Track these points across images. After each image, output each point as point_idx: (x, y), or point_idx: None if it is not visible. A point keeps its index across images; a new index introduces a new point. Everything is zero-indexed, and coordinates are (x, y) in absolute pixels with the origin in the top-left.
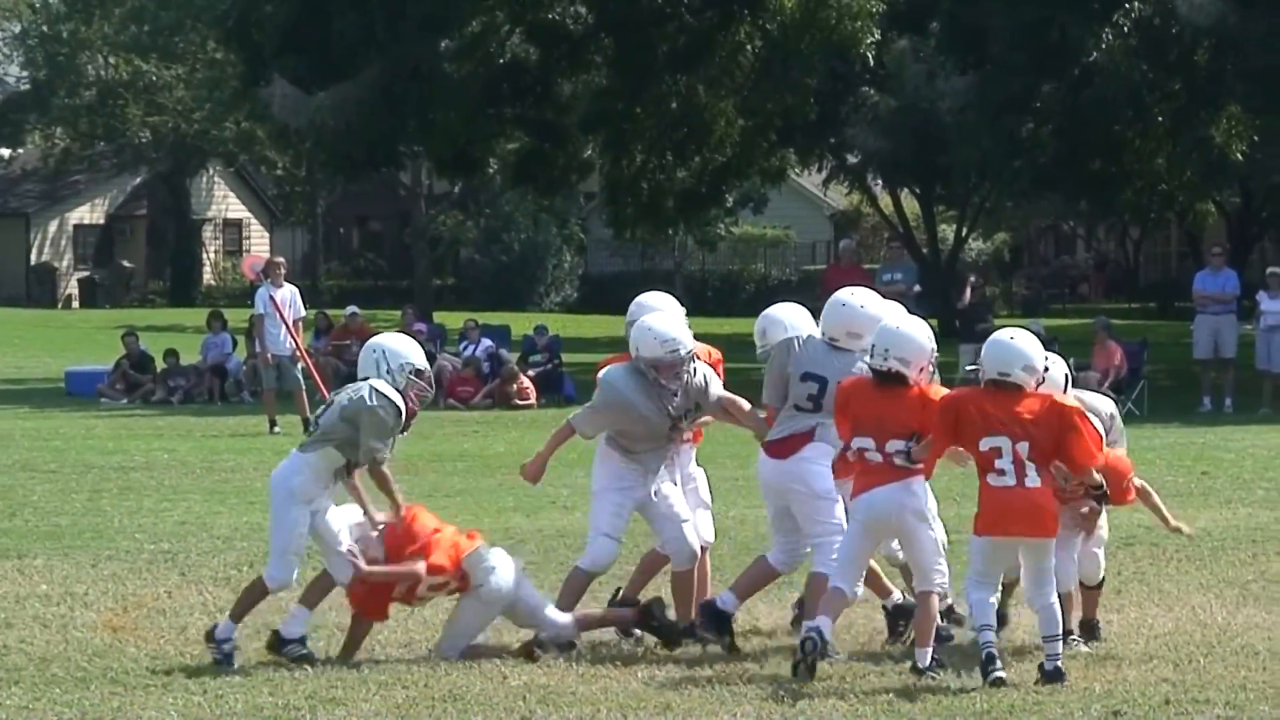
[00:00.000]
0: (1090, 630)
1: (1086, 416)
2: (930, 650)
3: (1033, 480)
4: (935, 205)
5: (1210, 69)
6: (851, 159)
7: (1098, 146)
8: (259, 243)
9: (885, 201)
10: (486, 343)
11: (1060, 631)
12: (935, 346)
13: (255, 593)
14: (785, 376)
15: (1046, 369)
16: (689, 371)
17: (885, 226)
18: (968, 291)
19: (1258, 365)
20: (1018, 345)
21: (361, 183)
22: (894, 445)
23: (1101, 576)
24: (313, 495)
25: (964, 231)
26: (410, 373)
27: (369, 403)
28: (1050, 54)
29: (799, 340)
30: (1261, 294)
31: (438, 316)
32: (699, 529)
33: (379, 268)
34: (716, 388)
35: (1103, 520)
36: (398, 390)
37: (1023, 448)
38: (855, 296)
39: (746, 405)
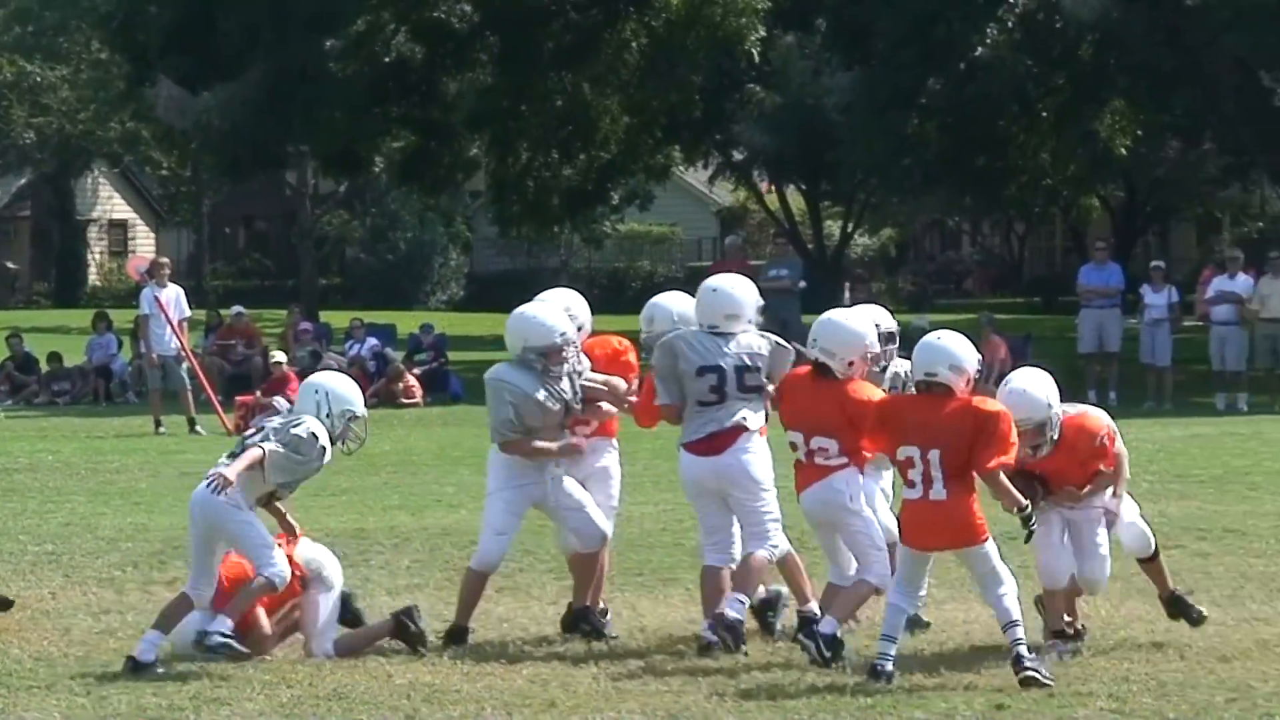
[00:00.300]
0: (1177, 606)
1: (1007, 421)
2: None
3: (938, 493)
4: (821, 201)
5: (1094, 64)
6: (737, 155)
7: (983, 142)
8: (144, 243)
9: (771, 198)
10: (372, 341)
11: (1017, 617)
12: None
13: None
14: (679, 376)
15: (979, 370)
16: (572, 357)
17: (771, 223)
18: (846, 290)
19: (1142, 359)
20: (941, 344)
21: (247, 182)
22: (818, 442)
23: (1153, 545)
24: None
25: (850, 227)
26: (349, 419)
27: (301, 446)
28: (935, 50)
29: (682, 341)
30: (1145, 288)
31: (324, 315)
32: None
33: (265, 267)
34: (586, 367)
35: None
36: (331, 435)
37: (934, 456)
38: (723, 280)
39: (622, 384)
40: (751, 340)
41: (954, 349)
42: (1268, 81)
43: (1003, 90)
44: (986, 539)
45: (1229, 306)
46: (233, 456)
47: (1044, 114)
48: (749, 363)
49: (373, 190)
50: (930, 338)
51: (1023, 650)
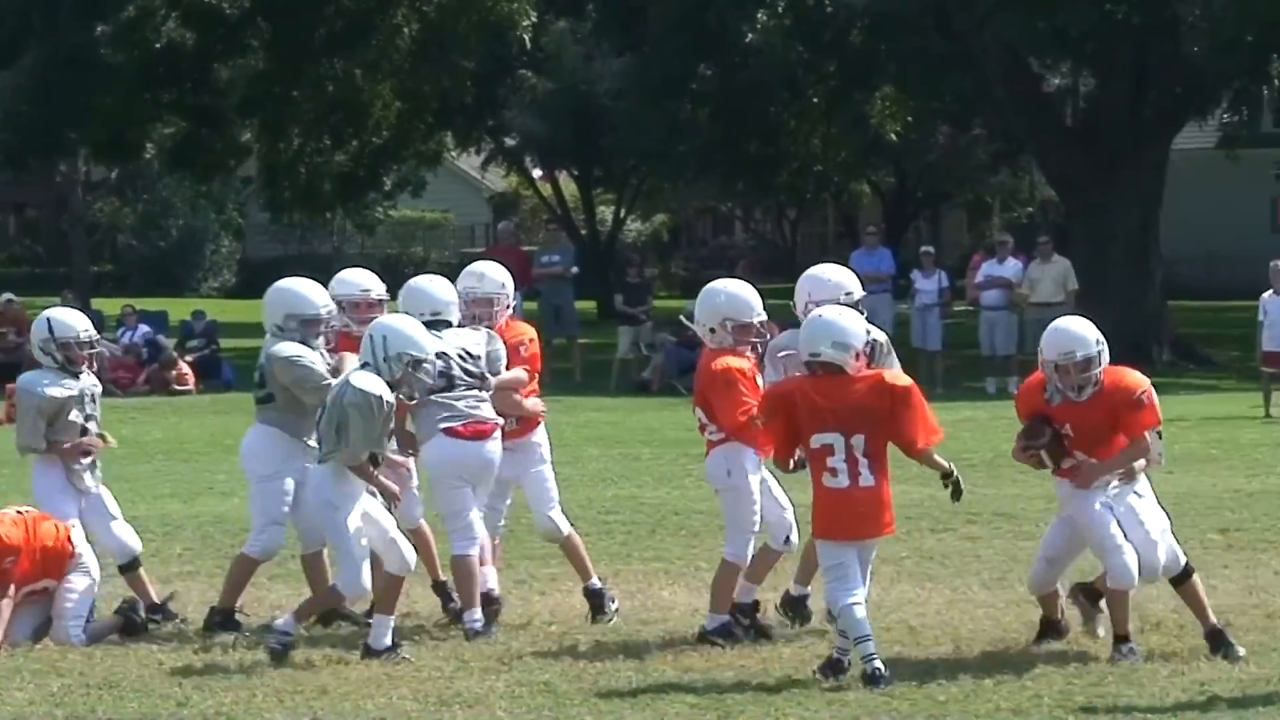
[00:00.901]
0: (1218, 640)
1: (920, 396)
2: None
3: (866, 479)
4: (594, 187)
5: (864, 50)
6: (510, 142)
7: (754, 128)
8: None
9: (544, 184)
10: (145, 329)
11: (867, 631)
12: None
13: (391, 590)
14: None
15: (870, 345)
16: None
17: (544, 209)
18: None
19: (913, 344)
20: (824, 320)
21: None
22: (699, 415)
23: (1182, 562)
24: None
25: (622, 213)
26: (409, 364)
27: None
28: (707, 36)
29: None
30: (916, 273)
31: (96, 303)
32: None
33: (36, 254)
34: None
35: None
36: (391, 381)
37: (857, 442)
38: (430, 283)
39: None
40: (465, 335)
41: (838, 323)
42: (1036, 67)
43: (774, 77)
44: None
45: (998, 291)
46: None
47: (815, 100)
48: (471, 352)
49: (144, 177)
50: (812, 315)
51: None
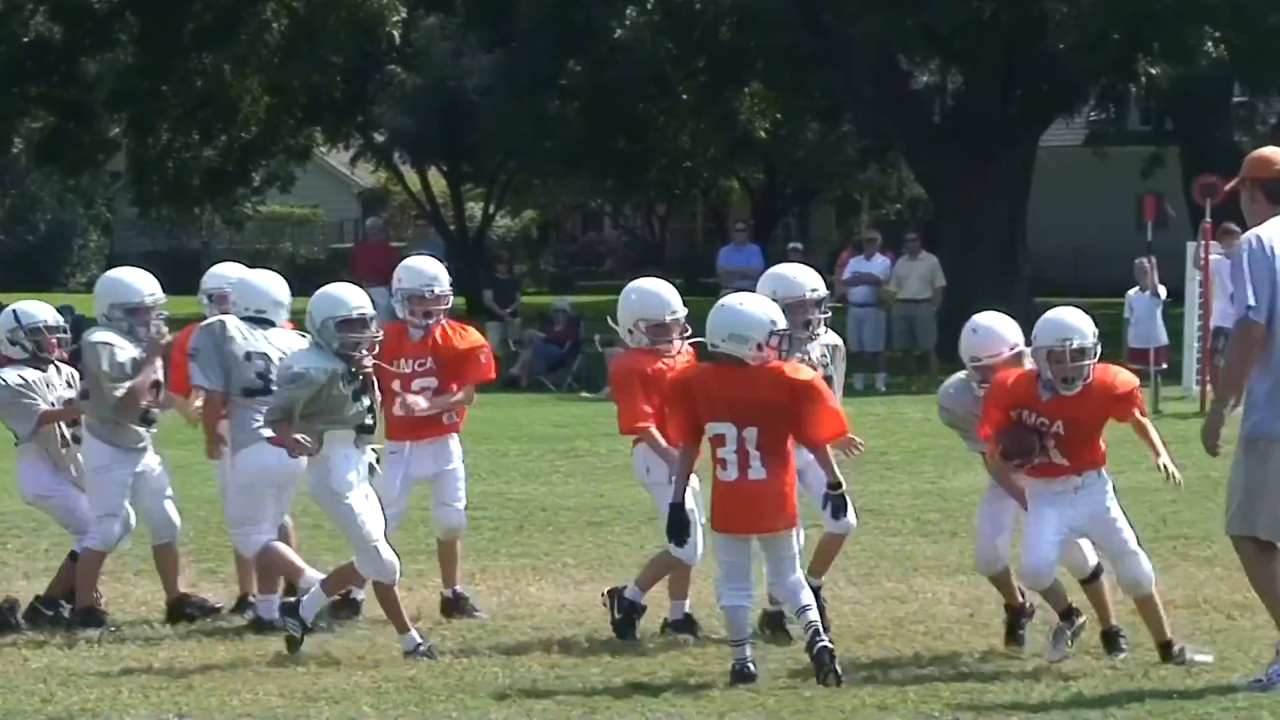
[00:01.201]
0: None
1: (822, 389)
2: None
3: (757, 472)
4: (463, 183)
5: (733, 46)
6: (379, 137)
7: (623, 125)
8: None
9: (413, 179)
10: None
11: (810, 601)
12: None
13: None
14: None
15: (783, 335)
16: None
17: (413, 204)
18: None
19: None
20: (725, 309)
21: None
22: None
23: (1092, 563)
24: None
25: (491, 209)
26: (337, 324)
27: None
28: (575, 32)
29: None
30: None
31: None
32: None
33: None
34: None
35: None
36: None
37: (750, 434)
38: (259, 278)
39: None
40: (290, 338)
41: (736, 315)
42: (905, 65)
43: (643, 73)
44: (796, 524)
45: (866, 288)
46: None
47: (684, 97)
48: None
49: (12, 171)
50: (718, 305)
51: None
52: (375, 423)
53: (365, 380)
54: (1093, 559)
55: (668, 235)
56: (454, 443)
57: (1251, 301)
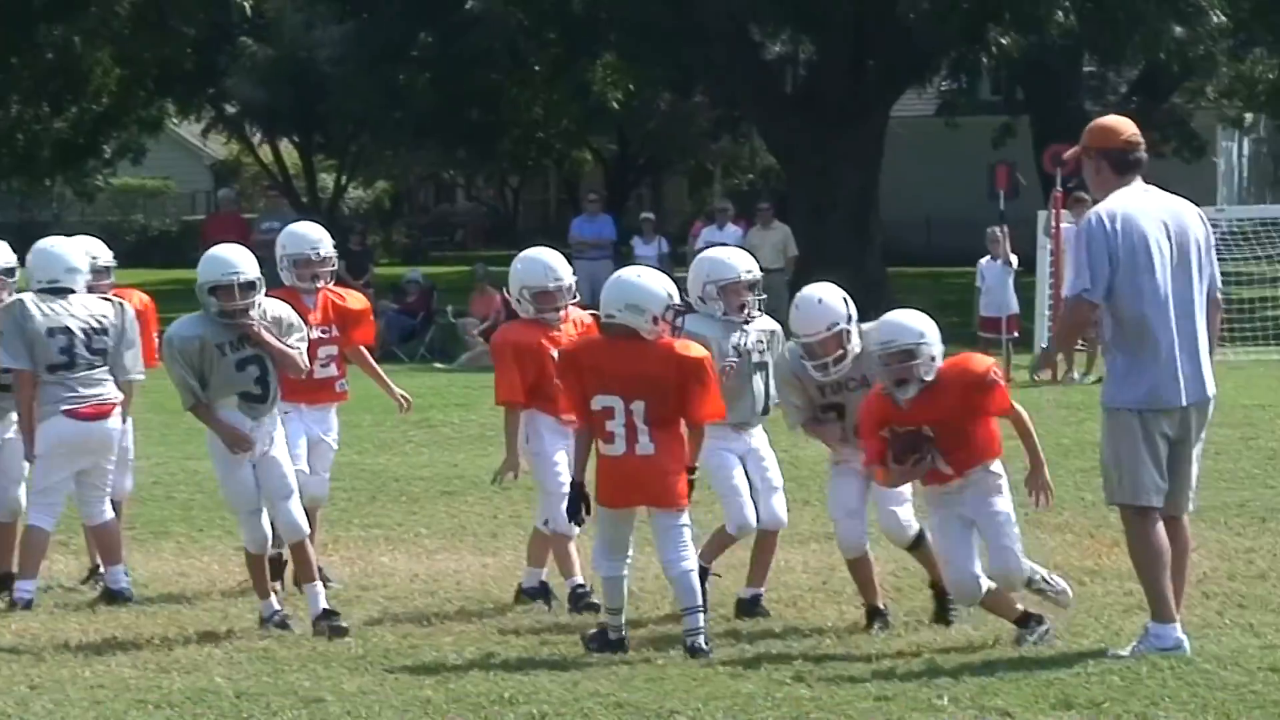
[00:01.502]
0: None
1: (711, 370)
2: None
3: (645, 447)
4: (315, 154)
5: (586, 17)
6: (230, 109)
7: (476, 96)
8: None
9: (265, 151)
10: None
11: (699, 602)
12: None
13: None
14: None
15: (681, 309)
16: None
17: (265, 176)
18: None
19: None
20: (623, 280)
21: None
22: None
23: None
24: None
25: (344, 181)
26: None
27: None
28: (427, 3)
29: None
30: (636, 239)
31: None
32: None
33: None
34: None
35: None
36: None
37: (637, 408)
38: (55, 245)
39: None
40: (92, 305)
41: (634, 287)
42: (757, 35)
43: (495, 44)
44: (687, 500)
45: None
46: None
47: (537, 68)
48: (96, 325)
49: None
50: (615, 276)
51: (698, 641)
52: (267, 393)
53: (256, 348)
54: (914, 527)
55: (521, 206)
56: (334, 413)
57: (1088, 284)
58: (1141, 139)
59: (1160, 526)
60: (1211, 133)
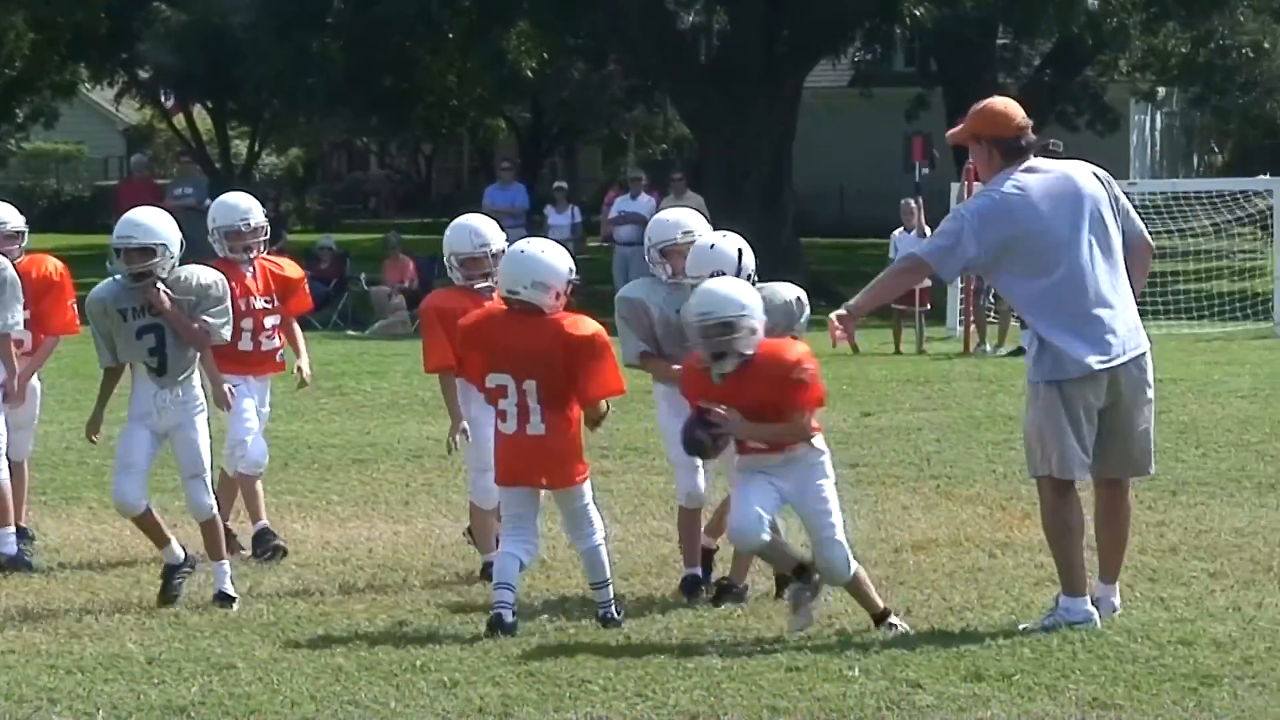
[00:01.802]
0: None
1: (605, 344)
2: None
3: (536, 427)
4: (228, 120)
5: None
6: (144, 74)
7: (389, 63)
8: None
9: (178, 117)
10: None
11: (608, 576)
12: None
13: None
14: None
15: (573, 285)
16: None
17: (178, 141)
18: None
19: None
20: (527, 256)
21: None
22: None
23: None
24: None
25: (257, 147)
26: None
27: None
28: None
29: None
30: (549, 208)
31: None
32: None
33: None
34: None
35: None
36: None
37: (529, 387)
38: None
39: None
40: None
41: (542, 261)
42: (670, 5)
43: (409, 10)
44: (585, 478)
45: (632, 227)
46: None
47: (451, 35)
48: None
49: None
50: (515, 250)
51: (612, 613)
52: (164, 366)
53: (157, 317)
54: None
55: (434, 174)
56: (270, 383)
57: (935, 255)
58: (1029, 121)
59: (1071, 500)
60: (1125, 106)
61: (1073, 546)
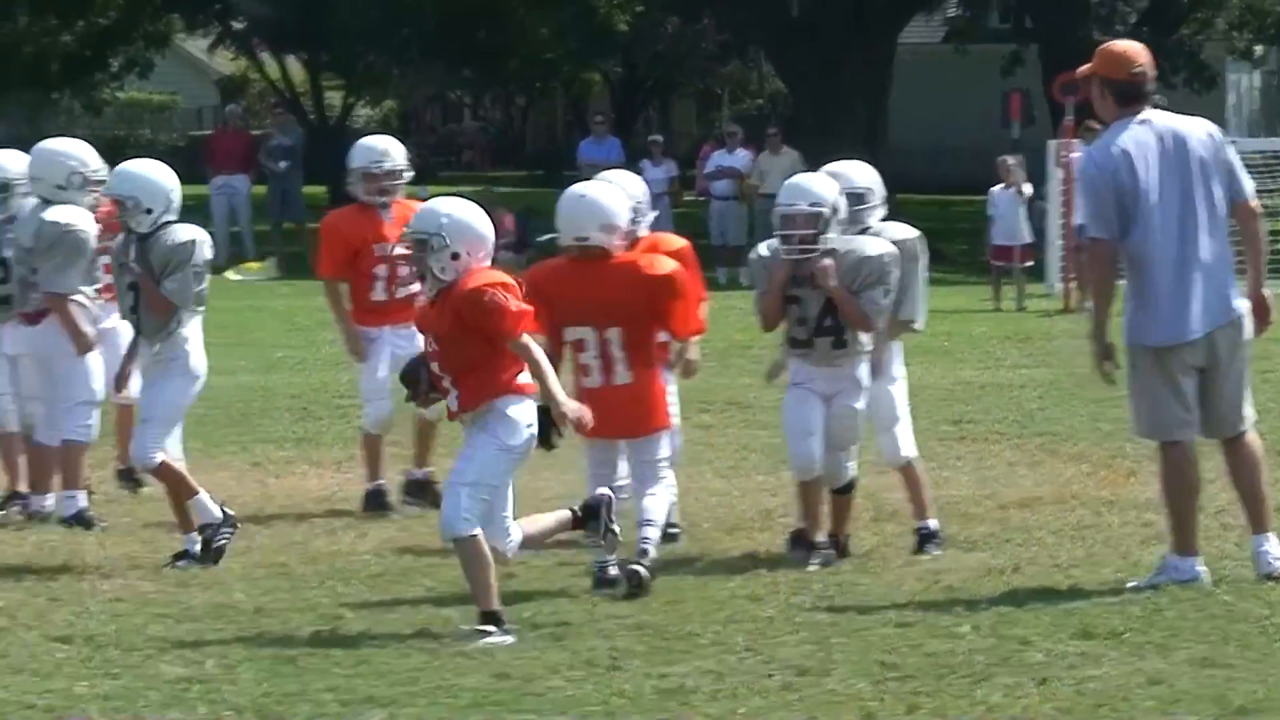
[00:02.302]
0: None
1: (685, 280)
2: None
3: (622, 376)
4: (322, 72)
5: None
6: (237, 25)
7: (482, 15)
8: None
9: (272, 68)
10: None
11: (663, 519)
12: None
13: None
14: None
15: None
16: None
17: (272, 93)
18: None
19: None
20: (590, 199)
21: None
22: None
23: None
24: None
25: (350, 99)
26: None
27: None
28: None
29: None
30: (645, 162)
31: None
32: None
33: None
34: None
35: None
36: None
37: (612, 335)
38: None
39: None
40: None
41: (605, 204)
42: None
43: None
44: (668, 427)
45: (728, 181)
46: None
47: None
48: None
49: None
50: (572, 194)
51: (648, 547)
52: (138, 326)
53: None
54: (908, 451)
55: (528, 127)
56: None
57: (1089, 225)
58: (1151, 69)
59: (1187, 458)
60: (1221, 64)
61: (1185, 505)
